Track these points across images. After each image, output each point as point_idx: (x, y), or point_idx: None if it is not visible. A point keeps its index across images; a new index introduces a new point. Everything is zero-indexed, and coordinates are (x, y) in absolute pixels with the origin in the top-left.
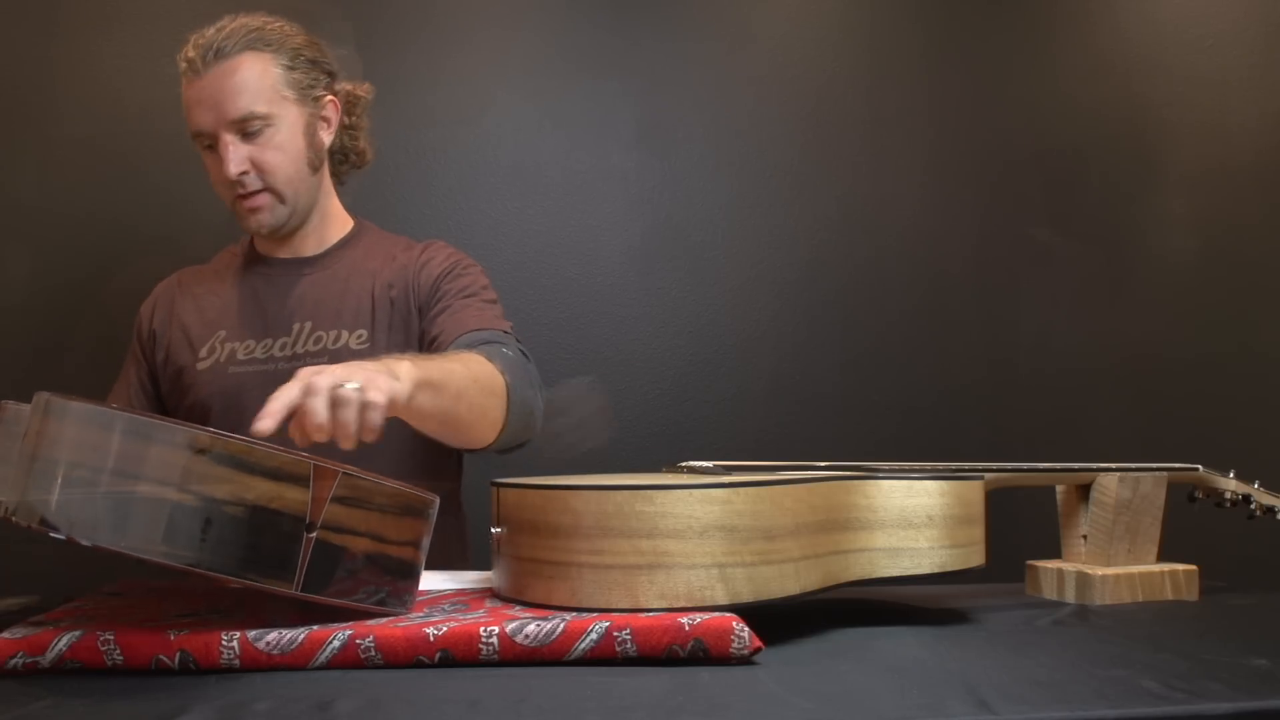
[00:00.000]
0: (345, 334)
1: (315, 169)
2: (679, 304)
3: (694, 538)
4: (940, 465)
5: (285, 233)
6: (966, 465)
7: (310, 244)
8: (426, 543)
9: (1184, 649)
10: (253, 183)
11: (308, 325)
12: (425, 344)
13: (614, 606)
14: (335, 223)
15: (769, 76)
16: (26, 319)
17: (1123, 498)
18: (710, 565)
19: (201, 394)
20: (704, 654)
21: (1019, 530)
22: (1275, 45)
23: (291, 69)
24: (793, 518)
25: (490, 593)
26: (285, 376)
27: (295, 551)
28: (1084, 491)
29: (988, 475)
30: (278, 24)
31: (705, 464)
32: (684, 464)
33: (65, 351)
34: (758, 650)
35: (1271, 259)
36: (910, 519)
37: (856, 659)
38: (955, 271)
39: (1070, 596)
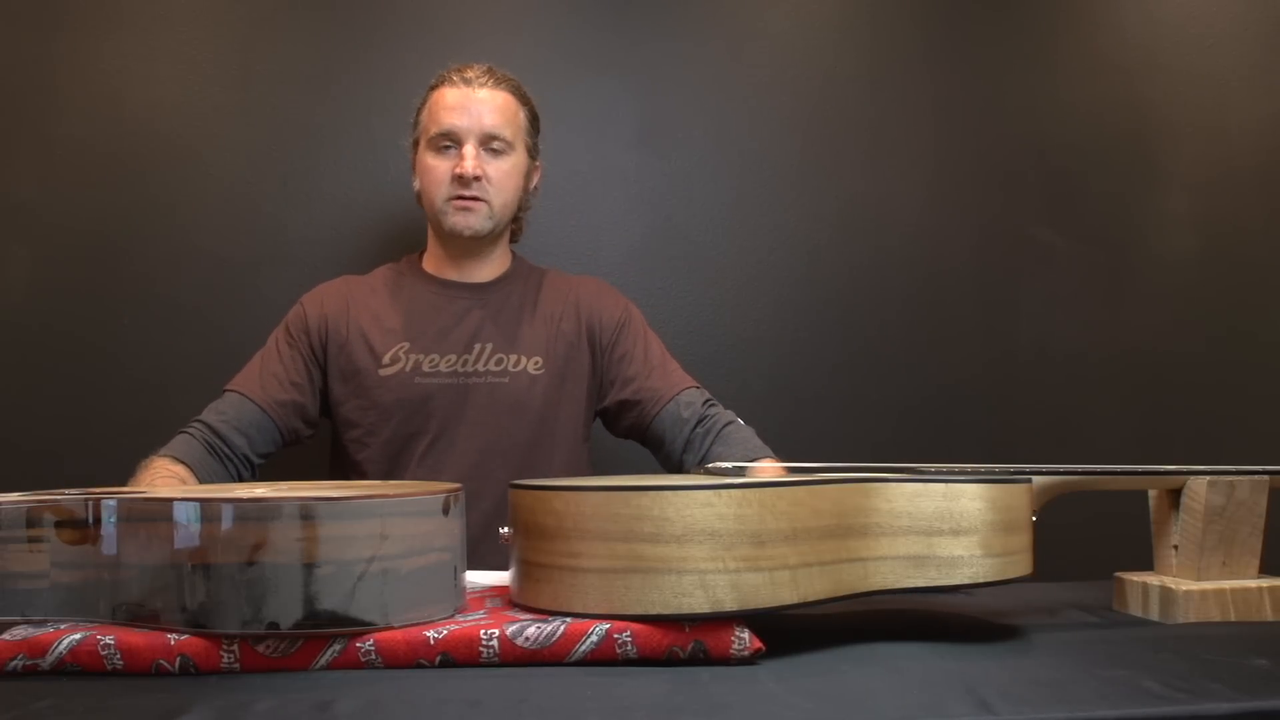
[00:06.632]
0: (524, 359)
1: (517, 209)
2: (679, 304)
3: (671, 542)
4: (982, 467)
5: (477, 244)
6: (1012, 467)
7: (484, 272)
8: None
9: (1184, 649)
10: (479, 189)
11: (488, 347)
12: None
13: (590, 612)
14: (503, 258)
15: (769, 76)
16: (27, 319)
17: (1215, 504)
18: (689, 571)
19: (385, 398)
20: (704, 655)
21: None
22: (1275, 45)
23: (532, 125)
24: (789, 522)
25: (489, 592)
26: (468, 391)
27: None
28: (1174, 497)
29: (1036, 479)
30: (526, 90)
31: (725, 465)
32: (709, 465)
33: (65, 351)
34: (758, 652)
35: (1272, 258)
36: (937, 525)
37: (857, 659)
38: (955, 271)
39: (1154, 614)
